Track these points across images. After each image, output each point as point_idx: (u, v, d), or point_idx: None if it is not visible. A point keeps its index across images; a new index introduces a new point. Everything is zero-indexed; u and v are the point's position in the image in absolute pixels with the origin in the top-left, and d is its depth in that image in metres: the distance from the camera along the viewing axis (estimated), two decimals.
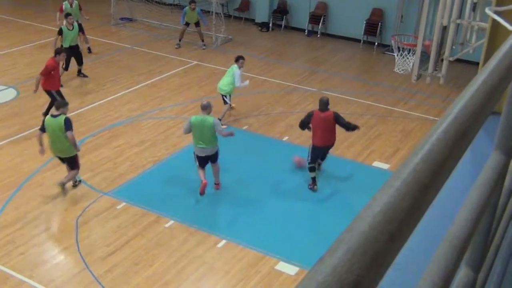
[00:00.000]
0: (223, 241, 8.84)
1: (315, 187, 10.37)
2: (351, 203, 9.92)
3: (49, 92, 12.01)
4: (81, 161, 10.83)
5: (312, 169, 10.35)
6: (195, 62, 16.62)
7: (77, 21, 15.48)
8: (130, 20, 20.32)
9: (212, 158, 9.98)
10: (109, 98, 13.55)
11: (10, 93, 13.89)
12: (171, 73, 15.68)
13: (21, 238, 8.66)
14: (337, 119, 10.20)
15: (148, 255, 8.49)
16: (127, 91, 14.29)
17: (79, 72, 14.96)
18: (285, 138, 12.25)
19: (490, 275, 2.28)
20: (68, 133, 9.25)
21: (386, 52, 18.07)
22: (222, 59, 16.53)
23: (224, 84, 12.53)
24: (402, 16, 17.84)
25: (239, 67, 12.50)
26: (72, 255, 8.39)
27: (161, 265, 8.30)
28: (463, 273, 1.70)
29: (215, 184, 10.28)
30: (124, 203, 9.64)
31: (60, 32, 14.31)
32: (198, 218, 9.39)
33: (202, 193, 9.85)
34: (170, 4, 22.15)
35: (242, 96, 14.21)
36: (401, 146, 12.05)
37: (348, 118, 12.98)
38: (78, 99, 13.33)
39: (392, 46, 15.58)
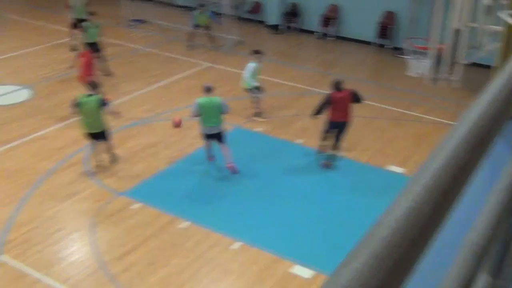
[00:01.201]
0: (238, 243, 8.84)
1: (330, 163, 11.11)
2: (366, 207, 9.89)
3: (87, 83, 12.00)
4: (95, 162, 10.90)
5: (325, 138, 11.01)
6: (207, 64, 16.64)
7: (80, 18, 16.14)
8: (142, 21, 20.37)
9: (220, 137, 10.65)
10: (122, 100, 13.57)
11: (24, 94, 13.95)
12: (183, 75, 15.70)
13: (37, 236, 8.69)
14: (355, 96, 10.71)
15: (163, 255, 8.50)
16: (140, 92, 14.32)
17: (103, 70, 15.09)
18: (298, 141, 12.24)
19: (510, 282, 2.27)
20: (108, 107, 10.38)
21: (398, 55, 18.02)
22: (234, 61, 16.54)
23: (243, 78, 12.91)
24: (414, 19, 17.79)
25: (255, 61, 12.70)
26: (88, 254, 8.41)
27: (176, 266, 8.30)
28: (482, 280, 1.68)
29: (229, 165, 10.73)
30: (139, 204, 9.66)
31: (82, 30, 14.88)
32: (213, 219, 9.39)
33: (210, 161, 10.93)
34: (182, 6, 22.20)
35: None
36: (416, 150, 12.01)
37: (361, 121, 13.02)
38: None
39: (405, 49, 15.55)
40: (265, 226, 9.36)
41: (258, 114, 13.22)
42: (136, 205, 9.63)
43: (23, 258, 8.19)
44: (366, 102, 13.96)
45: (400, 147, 12.16)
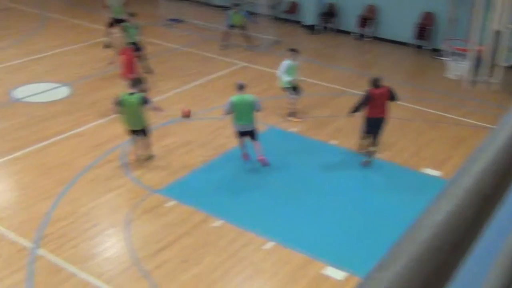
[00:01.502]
0: (271, 243, 8.82)
1: (371, 158, 11.20)
2: (400, 209, 9.77)
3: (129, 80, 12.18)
4: (132, 158, 11.04)
5: (364, 137, 11.21)
6: (243, 64, 16.68)
7: (117, 18, 16.66)
8: (179, 21, 20.54)
9: (252, 134, 10.81)
10: (159, 98, 13.67)
11: (63, 91, 14.20)
12: (219, 74, 15.77)
13: (73, 231, 8.83)
14: (392, 94, 10.83)
15: (196, 253, 8.54)
16: (176, 91, 14.44)
17: (143, 67, 15.32)
18: (333, 142, 12.18)
19: None
20: (150, 105, 10.56)
21: (437, 57, 17.78)
22: (269, 61, 16.54)
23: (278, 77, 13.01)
24: (453, 20, 17.52)
25: (289, 59, 12.77)
26: (122, 250, 8.51)
27: (209, 264, 8.34)
28: None
29: (260, 158, 10.91)
30: (173, 201, 9.74)
31: (123, 29, 15.17)
32: (246, 218, 9.40)
33: (245, 159, 11.02)
34: (219, 6, 22.31)
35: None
36: (453, 153, 11.82)
37: (398, 123, 12.89)
38: None
39: (443, 51, 15.35)
40: (298, 227, 9.33)
41: (292, 114, 13.20)
42: (171, 203, 9.70)
43: (59, 252, 8.33)
44: (403, 104, 13.85)
45: (436, 150, 11.99)
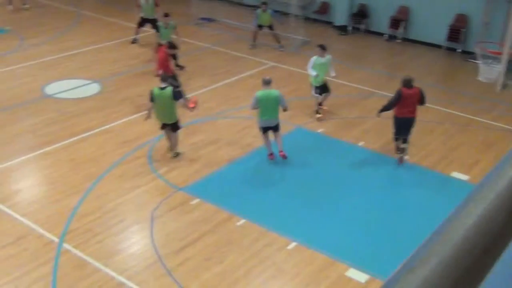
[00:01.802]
0: (294, 243, 8.82)
1: (402, 155, 11.26)
2: (426, 212, 9.67)
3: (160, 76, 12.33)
4: (159, 155, 11.16)
5: (396, 139, 11.24)
6: (272, 64, 16.69)
7: (151, 17, 17.16)
8: (211, 20, 20.65)
9: (275, 127, 10.99)
10: (188, 96, 13.76)
11: (94, 88, 14.40)
12: (248, 74, 15.81)
13: (99, 227, 8.96)
14: (422, 96, 10.93)
15: (219, 252, 8.59)
16: (204, 90, 14.53)
17: (177, 65, 15.49)
18: (361, 143, 12.11)
19: None
20: (180, 101, 10.87)
21: (469, 60, 17.53)
22: (299, 61, 16.51)
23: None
24: (487, 23, 17.25)
25: (318, 56, 12.95)
26: (146, 247, 8.60)
27: (231, 263, 8.37)
28: None
29: (280, 152, 11.04)
30: (198, 199, 9.80)
31: (157, 29, 15.56)
32: (270, 218, 9.41)
33: (272, 159, 11.08)
34: (250, 5, 22.35)
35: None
36: (482, 158, 11.66)
37: (427, 126, 12.77)
38: None
39: (476, 54, 15.11)
40: (322, 227, 9.31)
41: (316, 111, 13.25)
42: (195, 201, 9.77)
43: (84, 247, 8.46)
44: (434, 106, 13.72)
45: (465, 153, 11.82)
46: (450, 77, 16.56)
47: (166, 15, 15.65)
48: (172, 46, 13.32)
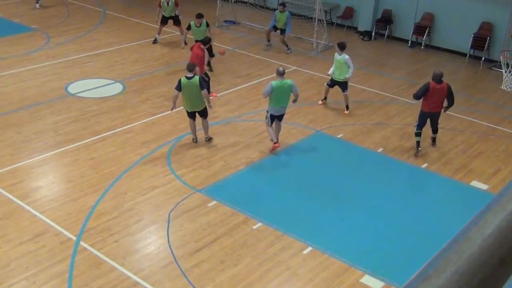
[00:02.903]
0: (309, 248, 8.81)
1: (419, 151, 11.74)
2: (443, 221, 9.59)
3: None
4: (178, 157, 11.23)
5: (418, 134, 11.68)
6: (294, 68, 16.69)
7: (173, 15, 17.76)
8: (234, 23, 20.72)
9: (282, 116, 11.57)
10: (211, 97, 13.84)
11: (117, 87, 14.54)
12: (269, 77, 15.78)
13: (116, 226, 9.03)
14: (450, 91, 11.47)
15: (234, 254, 8.60)
16: (225, 92, 14.57)
17: (208, 64, 15.59)
18: (380, 150, 12.04)
19: None
20: (204, 91, 11.29)
21: (493, 68, 17.34)
22: (321, 66, 16.49)
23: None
24: None
25: (336, 53, 13.56)
26: (162, 247, 8.65)
27: (246, 266, 8.38)
28: None
29: (276, 142, 11.52)
30: (215, 202, 9.84)
31: (189, 28, 15.77)
32: (286, 222, 9.41)
33: (273, 151, 11.54)
34: (274, 9, 22.36)
35: (338, 104, 14.10)
36: (502, 167, 11.52)
37: (448, 133, 12.66)
38: (178, 99, 13.69)
39: (500, 62, 14.94)
40: (338, 233, 9.28)
41: (346, 107, 13.73)
42: (212, 203, 9.80)
43: (101, 246, 8.54)
44: (456, 114, 13.60)
45: (486, 162, 11.70)
46: (473, 85, 16.39)
47: (199, 15, 15.73)
48: (205, 42, 13.63)
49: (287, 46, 17.88)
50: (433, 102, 11.39)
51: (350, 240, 9.12)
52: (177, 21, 17.95)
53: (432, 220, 9.71)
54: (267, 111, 11.59)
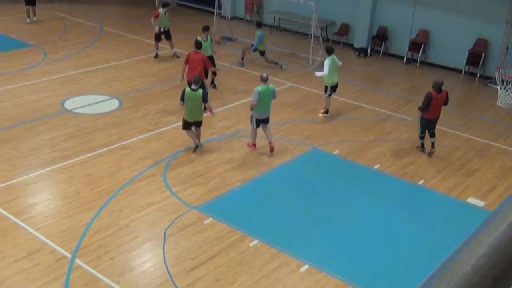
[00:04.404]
0: (306, 266, 8.77)
1: (424, 149, 12.58)
2: (440, 238, 9.57)
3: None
4: (174, 173, 11.21)
5: (422, 138, 12.50)
6: (290, 84, 16.74)
7: (165, 27, 17.90)
8: (231, 39, 20.80)
9: (267, 119, 12.15)
10: (204, 114, 13.84)
11: (113, 104, 14.54)
12: None
13: (112, 243, 8.98)
14: (447, 98, 12.19)
15: (230, 272, 8.56)
16: (222, 108, 14.58)
17: (212, 82, 15.68)
18: (376, 166, 12.05)
19: None
20: (207, 104, 11.83)
21: (488, 85, 17.43)
22: (317, 82, 16.49)
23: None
24: (507, 48, 17.16)
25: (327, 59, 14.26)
26: (158, 265, 8.60)
27: (242, 284, 8.33)
28: None
29: (270, 144, 12.12)
30: (211, 219, 9.80)
31: (198, 45, 15.28)
32: (282, 240, 9.37)
33: (254, 149, 12.26)
34: (270, 25, 22.50)
35: (334, 121, 14.14)
36: (498, 184, 11.54)
37: (443, 150, 12.70)
38: (175, 115, 13.72)
39: (495, 79, 15.02)
40: (334, 250, 9.25)
41: (326, 112, 14.42)
42: (208, 220, 9.77)
43: (97, 264, 8.48)
44: (451, 131, 13.65)
45: (482, 179, 11.72)
46: (468, 102, 16.46)
47: (206, 28, 15.79)
48: (196, 45, 14.23)
49: (276, 63, 17.95)
50: (434, 110, 12.07)
51: (346, 258, 9.10)
52: (168, 35, 18.11)
53: (429, 237, 9.69)
54: (251, 116, 12.18)
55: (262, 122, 12.12)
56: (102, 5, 25.40)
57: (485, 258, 0.77)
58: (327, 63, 14.06)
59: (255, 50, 17.85)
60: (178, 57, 18.22)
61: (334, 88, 14.30)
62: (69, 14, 23.23)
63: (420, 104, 12.26)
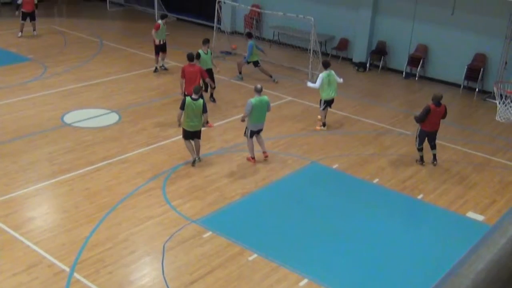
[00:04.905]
0: (305, 280, 8.73)
1: (424, 162, 12.69)
2: (440, 254, 9.54)
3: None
4: (173, 187, 11.19)
5: (420, 150, 12.60)
6: (290, 98, 16.78)
7: (163, 40, 17.99)
8: (230, 53, 20.87)
9: (261, 130, 12.34)
10: (203, 129, 13.85)
11: (113, 117, 14.55)
12: None
13: (110, 257, 8.95)
14: (446, 112, 12.43)
15: (229, 286, 8.50)
16: (221, 122, 14.60)
17: (211, 96, 15.73)
18: (375, 180, 12.04)
19: None
20: (204, 114, 12.00)
21: (487, 99, 17.48)
22: (316, 97, 16.49)
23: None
24: (506, 63, 17.23)
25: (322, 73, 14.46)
26: (157, 279, 8.55)
27: None
28: None
29: (265, 153, 12.44)
30: (210, 232, 9.78)
31: (198, 57, 15.45)
32: (282, 253, 9.34)
33: (254, 163, 12.33)
34: (269, 40, 22.59)
35: (333, 134, 14.17)
36: (498, 198, 11.53)
37: (443, 164, 12.71)
38: (174, 129, 13.72)
39: (494, 93, 15.05)
40: (334, 264, 9.22)
41: (323, 125, 14.48)
42: (207, 234, 9.74)
43: (95, 278, 8.44)
44: (450, 145, 13.66)
45: (482, 193, 11.71)
46: (467, 116, 16.49)
47: (206, 41, 15.86)
48: (189, 57, 14.38)
49: (270, 76, 18.02)
50: (433, 123, 12.25)
51: (345, 272, 9.06)
52: (164, 48, 18.26)
53: (428, 251, 9.67)
54: (246, 128, 12.29)
55: (256, 133, 12.29)
56: (102, 20, 25.53)
57: (485, 273, 0.77)
58: (321, 76, 14.20)
59: (248, 62, 17.92)
60: (165, 69, 18.39)
61: (329, 102, 14.34)
62: (69, 29, 23.34)
63: (417, 115, 12.42)
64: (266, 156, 12.45)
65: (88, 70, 18.34)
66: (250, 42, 17.81)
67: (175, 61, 18.78)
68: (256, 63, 17.99)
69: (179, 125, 12.31)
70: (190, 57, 14.36)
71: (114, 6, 27.69)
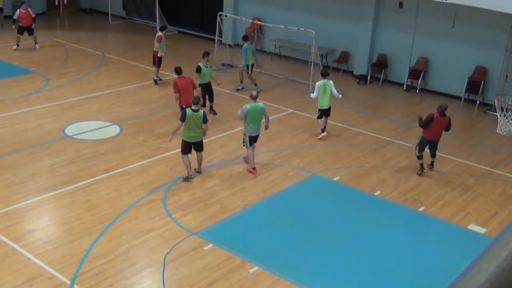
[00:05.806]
0: None
1: (423, 172, 12.76)
2: (441, 265, 9.51)
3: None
4: (174, 199, 11.18)
5: (420, 157, 12.69)
6: (291, 111, 16.80)
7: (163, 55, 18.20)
8: (231, 66, 20.93)
9: (257, 137, 12.54)
10: (205, 140, 13.86)
11: (114, 130, 14.57)
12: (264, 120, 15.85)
13: (111, 269, 8.92)
14: (450, 123, 12.53)
15: None
16: (222, 134, 14.62)
17: (211, 109, 15.76)
18: (377, 193, 12.03)
19: None
20: (205, 125, 12.02)
21: (488, 112, 17.49)
22: (317, 109, 16.55)
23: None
24: (507, 76, 17.26)
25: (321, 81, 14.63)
26: None
27: None
28: None
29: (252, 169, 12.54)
30: (211, 245, 9.75)
31: (199, 70, 15.53)
32: (283, 266, 9.31)
33: (254, 173, 12.42)
34: (270, 52, 22.67)
35: (334, 147, 14.17)
36: (499, 210, 11.51)
37: (444, 176, 12.69)
38: (175, 141, 13.69)
39: (495, 106, 15.07)
40: (335, 277, 9.19)
41: (322, 130, 14.64)
42: (208, 246, 9.72)
43: None
44: (452, 158, 13.65)
45: (483, 206, 11.68)
46: (468, 129, 16.50)
47: (206, 54, 15.94)
48: (176, 71, 14.64)
49: (255, 84, 18.09)
50: (435, 132, 12.41)
51: (347, 285, 9.03)
52: (160, 60, 18.38)
53: (429, 264, 9.63)
54: (244, 134, 12.43)
55: (254, 140, 12.43)
56: (103, 32, 25.64)
57: (487, 285, 0.76)
58: (317, 85, 14.45)
59: (247, 66, 18.04)
60: (160, 79, 18.55)
61: (323, 112, 14.46)
62: (70, 41, 23.43)
63: (422, 119, 12.58)
64: (254, 172, 12.45)
65: (89, 82, 18.39)
66: (245, 45, 17.93)
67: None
68: (252, 66, 18.11)
69: (170, 140, 12.23)
70: (178, 71, 14.65)
71: (116, 19, 27.81)
